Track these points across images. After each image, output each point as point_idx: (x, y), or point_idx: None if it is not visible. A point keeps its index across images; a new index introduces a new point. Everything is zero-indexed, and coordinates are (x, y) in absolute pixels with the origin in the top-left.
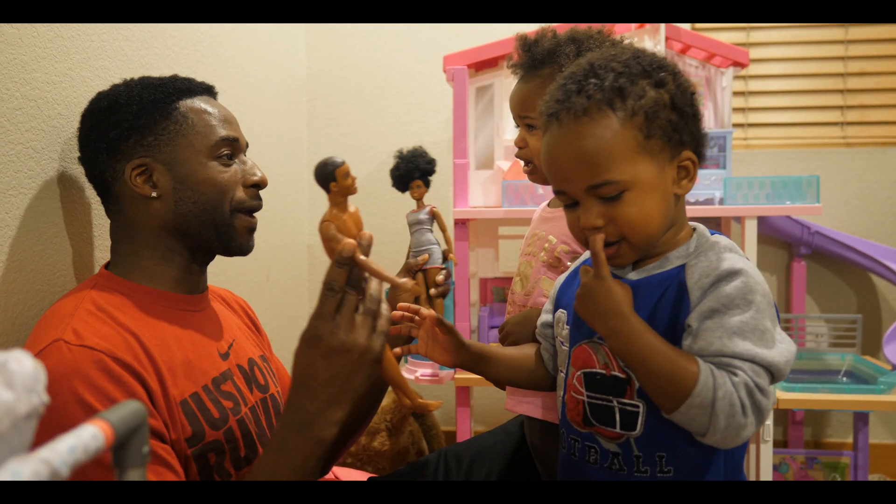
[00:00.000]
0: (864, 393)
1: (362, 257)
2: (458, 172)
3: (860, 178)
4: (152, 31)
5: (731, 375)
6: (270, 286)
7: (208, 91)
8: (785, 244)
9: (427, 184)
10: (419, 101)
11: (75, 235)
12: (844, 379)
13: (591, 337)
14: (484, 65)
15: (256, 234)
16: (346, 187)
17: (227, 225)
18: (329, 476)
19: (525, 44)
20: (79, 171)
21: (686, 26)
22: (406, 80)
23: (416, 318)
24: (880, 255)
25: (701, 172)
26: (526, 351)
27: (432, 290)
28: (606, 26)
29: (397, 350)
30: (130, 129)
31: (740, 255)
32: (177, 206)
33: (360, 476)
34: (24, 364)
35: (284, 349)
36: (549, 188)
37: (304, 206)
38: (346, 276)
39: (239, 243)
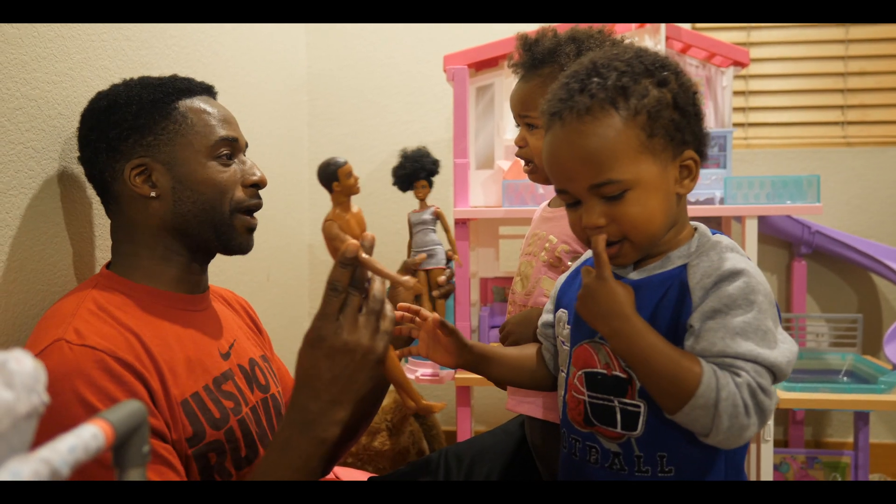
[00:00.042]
0: (865, 392)
1: (365, 255)
2: (458, 172)
3: (861, 178)
4: (152, 30)
5: (734, 376)
6: (271, 286)
7: (207, 91)
8: (785, 244)
9: (431, 184)
10: (419, 100)
11: (75, 235)
12: (845, 378)
13: (592, 336)
14: (484, 64)
15: (256, 234)
16: (348, 187)
17: (226, 224)
18: (329, 476)
19: (526, 43)
20: (79, 171)
21: (686, 26)
22: (406, 80)
23: (417, 319)
24: (881, 255)
25: (701, 172)
26: (527, 351)
27: (435, 292)
28: (607, 26)
29: (397, 352)
30: (130, 128)
31: (742, 255)
32: (176, 206)
33: (361, 476)
34: (24, 364)
35: (285, 349)
36: (550, 188)
37: (305, 205)
38: (350, 276)
39: (238, 242)
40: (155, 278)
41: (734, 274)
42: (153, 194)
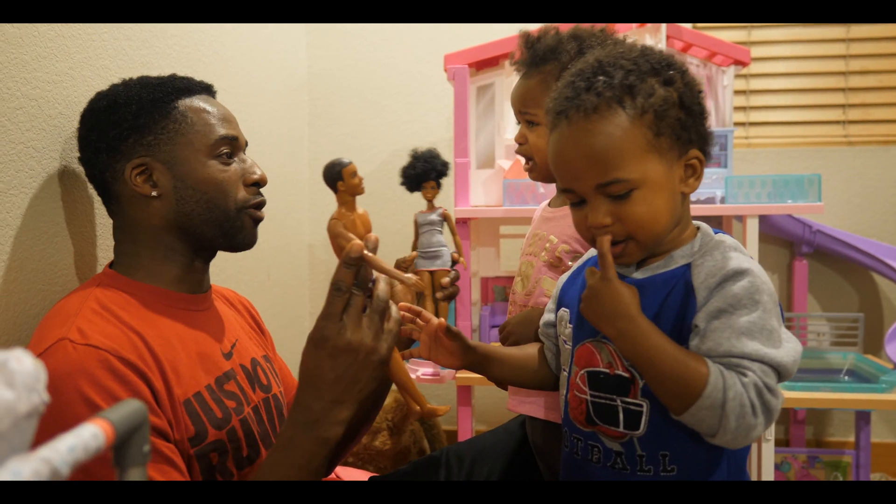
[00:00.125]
0: (866, 392)
1: (369, 254)
2: (459, 171)
3: (862, 177)
4: (153, 30)
5: (740, 376)
6: (271, 286)
7: (207, 90)
8: (786, 243)
9: (440, 185)
10: (420, 100)
11: (76, 234)
12: (846, 378)
13: (594, 336)
14: (485, 64)
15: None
16: (353, 187)
17: (232, 221)
18: (331, 475)
19: (527, 40)
20: (79, 171)
21: (687, 25)
22: (407, 80)
23: (418, 320)
24: (882, 254)
25: None
26: (529, 351)
27: (438, 293)
28: (608, 25)
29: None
30: (130, 128)
31: (745, 255)
32: (179, 205)
33: (362, 475)
34: (24, 363)
35: (285, 349)
36: (551, 187)
37: (305, 205)
38: (354, 276)
39: (243, 236)
40: (157, 278)
41: (739, 273)
42: (154, 194)
